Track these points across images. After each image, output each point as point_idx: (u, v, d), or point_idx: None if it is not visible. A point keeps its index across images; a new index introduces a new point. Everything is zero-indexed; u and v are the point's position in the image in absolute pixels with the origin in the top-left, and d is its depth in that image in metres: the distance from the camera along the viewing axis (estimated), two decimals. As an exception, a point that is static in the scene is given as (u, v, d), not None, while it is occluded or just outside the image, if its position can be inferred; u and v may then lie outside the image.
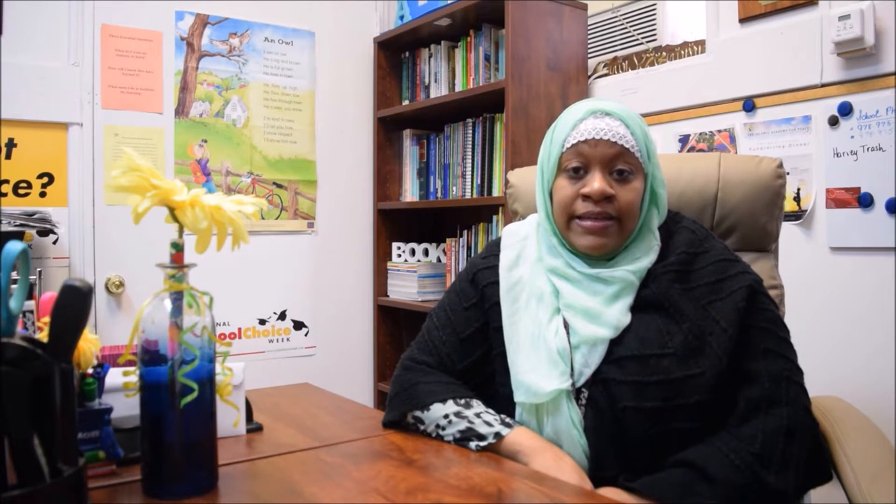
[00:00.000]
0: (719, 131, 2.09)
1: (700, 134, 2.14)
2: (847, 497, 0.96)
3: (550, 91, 2.34)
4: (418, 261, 2.75)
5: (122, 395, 0.81)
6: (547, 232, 1.07)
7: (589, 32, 2.51)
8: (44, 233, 2.09)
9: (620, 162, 0.99)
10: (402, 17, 2.76)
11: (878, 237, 1.73)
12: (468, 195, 2.53)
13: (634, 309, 0.98)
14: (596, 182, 0.98)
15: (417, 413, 1.01)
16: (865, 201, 1.75)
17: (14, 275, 0.64)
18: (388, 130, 2.88)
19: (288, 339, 2.66)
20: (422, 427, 1.01)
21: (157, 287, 0.78)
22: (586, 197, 0.99)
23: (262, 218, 2.58)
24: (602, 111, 1.01)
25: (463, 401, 1.00)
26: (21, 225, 2.02)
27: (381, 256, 2.86)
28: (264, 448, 0.95)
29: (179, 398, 0.74)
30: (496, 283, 1.08)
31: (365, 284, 2.87)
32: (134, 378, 0.77)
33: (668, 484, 0.87)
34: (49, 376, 0.61)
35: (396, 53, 2.89)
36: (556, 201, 1.04)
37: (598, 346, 0.96)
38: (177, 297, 0.76)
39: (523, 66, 2.27)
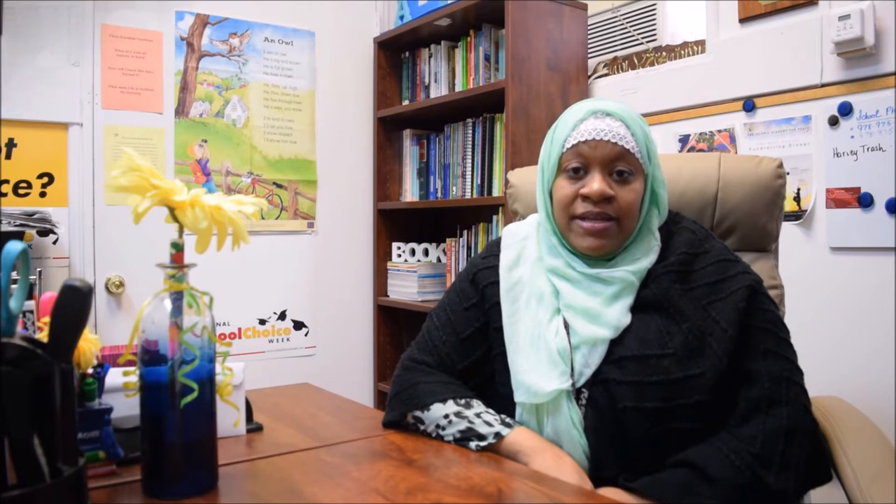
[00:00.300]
0: (719, 131, 2.09)
1: (700, 134, 2.14)
2: (847, 497, 0.96)
3: (550, 91, 2.34)
4: (418, 261, 2.75)
5: (122, 395, 0.81)
6: (547, 232, 1.07)
7: (589, 32, 2.51)
8: (44, 233, 2.09)
9: (620, 163, 0.99)
10: (402, 17, 2.76)
11: (878, 237, 1.73)
12: (468, 195, 2.53)
13: (634, 309, 0.98)
14: (595, 183, 0.98)
15: (417, 413, 1.01)
16: (865, 201, 1.75)
17: (14, 275, 0.64)
18: (388, 130, 2.89)
19: (288, 339, 2.66)
20: (422, 427, 1.01)
21: (157, 287, 0.78)
22: (586, 197, 0.99)
23: (262, 218, 2.58)
24: (603, 111, 1.01)
25: (463, 401, 1.00)
26: (21, 225, 2.02)
27: (381, 256, 2.86)
28: (264, 448, 0.95)
29: (179, 398, 0.74)
30: (496, 283, 1.08)
31: (365, 284, 2.87)
32: (134, 378, 0.77)
33: (669, 484, 0.87)
34: (49, 376, 0.61)
35: (396, 53, 2.89)
36: (555, 201, 1.04)
37: (598, 346, 0.96)
38: (177, 297, 0.76)
39: (523, 66, 2.27)
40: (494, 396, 1.04)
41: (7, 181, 2.09)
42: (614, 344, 0.96)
